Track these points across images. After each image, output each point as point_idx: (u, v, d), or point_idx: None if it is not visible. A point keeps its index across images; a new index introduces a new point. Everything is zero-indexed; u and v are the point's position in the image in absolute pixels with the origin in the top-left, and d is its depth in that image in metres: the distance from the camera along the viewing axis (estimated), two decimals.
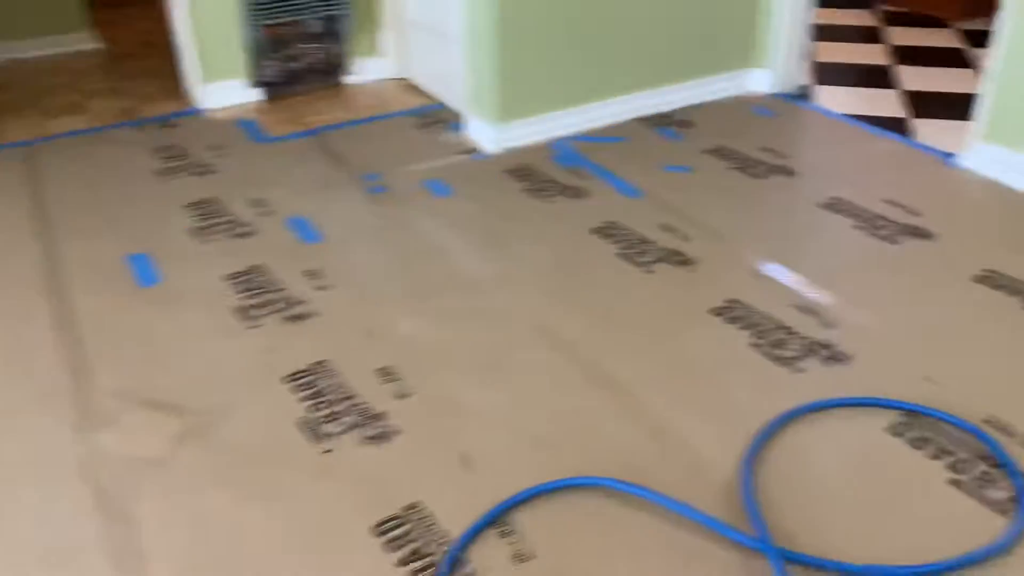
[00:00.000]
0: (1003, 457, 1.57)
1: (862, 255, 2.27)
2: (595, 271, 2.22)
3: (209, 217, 2.49)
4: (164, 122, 3.13)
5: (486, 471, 1.60)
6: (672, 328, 1.99)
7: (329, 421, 1.72)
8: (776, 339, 1.93)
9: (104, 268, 2.24)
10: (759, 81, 3.30)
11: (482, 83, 2.84)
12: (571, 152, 2.86)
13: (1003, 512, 1.47)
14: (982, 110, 2.64)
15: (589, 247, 2.33)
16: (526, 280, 2.19)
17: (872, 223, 2.40)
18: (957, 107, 3.14)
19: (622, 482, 1.54)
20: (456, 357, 1.91)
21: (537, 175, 2.72)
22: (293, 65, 3.34)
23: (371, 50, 3.49)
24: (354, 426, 1.71)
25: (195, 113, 3.20)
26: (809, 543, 1.43)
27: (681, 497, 1.51)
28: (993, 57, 2.57)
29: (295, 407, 1.76)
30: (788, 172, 2.70)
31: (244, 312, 2.06)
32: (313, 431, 1.69)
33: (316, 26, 3.32)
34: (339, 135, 3.03)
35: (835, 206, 2.50)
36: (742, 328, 1.97)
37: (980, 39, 3.88)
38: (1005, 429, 1.65)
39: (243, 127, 3.09)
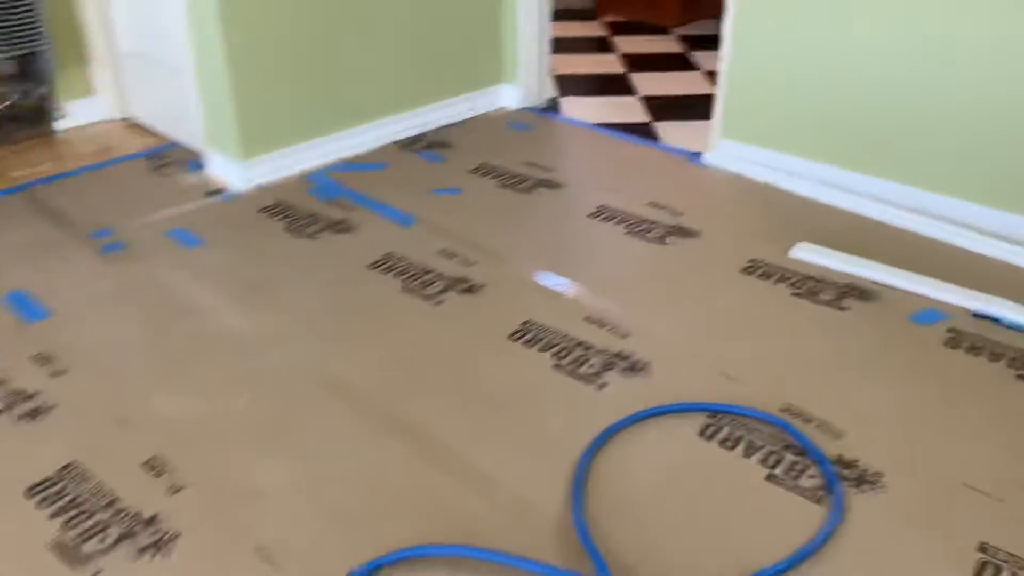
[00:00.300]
0: (805, 443, 1.62)
1: (638, 260, 2.29)
2: (379, 310, 2.05)
3: None
4: None
5: (292, 564, 1.38)
6: (471, 361, 1.88)
7: (90, 537, 1.42)
8: (576, 357, 1.87)
9: None
10: (510, 96, 3.30)
11: (219, 116, 2.57)
12: (330, 183, 2.67)
13: (818, 501, 1.51)
14: (718, 109, 2.80)
15: (369, 284, 2.15)
16: (301, 330, 1.98)
17: (640, 227, 2.44)
18: (693, 108, 3.33)
19: (440, 547, 1.39)
20: (233, 432, 1.66)
21: (296, 211, 2.50)
22: None
23: (84, 89, 3.07)
24: (122, 537, 1.42)
25: None
26: (652, 571, 1.37)
27: (512, 546, 1.39)
28: (723, 59, 2.72)
29: (45, 527, 1.44)
30: (553, 184, 2.70)
31: None
32: (72, 554, 1.38)
33: (9, 67, 2.86)
34: (55, 189, 2.62)
35: (603, 214, 2.52)
36: (541, 350, 1.90)
37: (699, 43, 4.18)
38: (801, 415, 1.70)
39: None
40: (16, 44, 2.83)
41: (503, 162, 2.83)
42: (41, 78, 2.93)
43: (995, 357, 1.86)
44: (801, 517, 1.47)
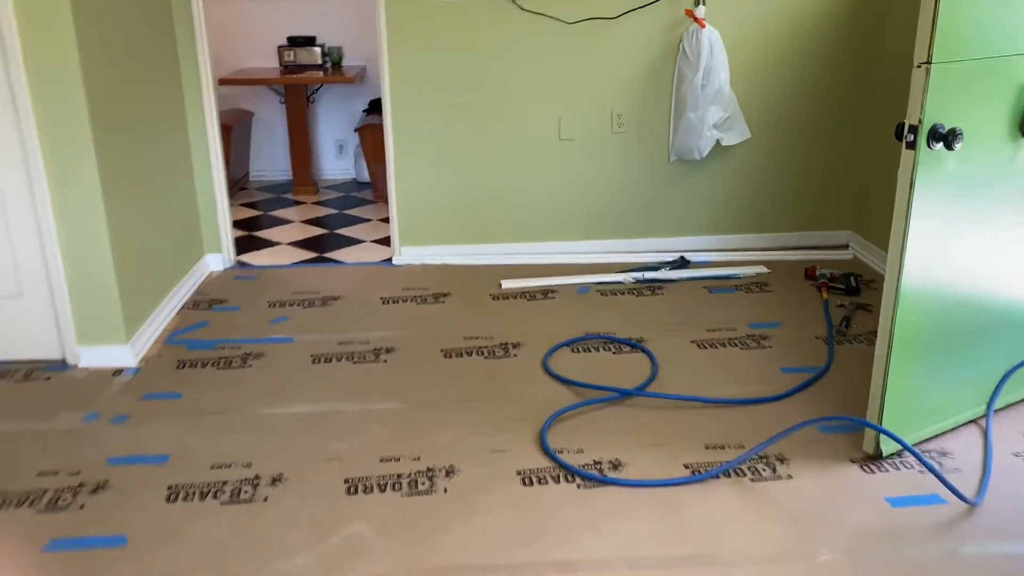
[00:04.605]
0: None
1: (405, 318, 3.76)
2: None
3: None
4: None
5: None
6: None
7: None
8: None
9: None
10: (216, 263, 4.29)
11: (98, 310, 3.15)
12: (185, 342, 3.43)
13: None
14: (394, 228, 4.37)
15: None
16: None
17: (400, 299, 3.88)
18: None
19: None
20: None
21: (194, 359, 3.25)
22: None
23: None
24: None
25: None
26: None
27: None
28: (392, 195, 4.32)
29: None
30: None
31: None
32: None
33: None
34: None
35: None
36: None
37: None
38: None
39: None
40: None
41: None
42: None
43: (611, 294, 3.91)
44: None
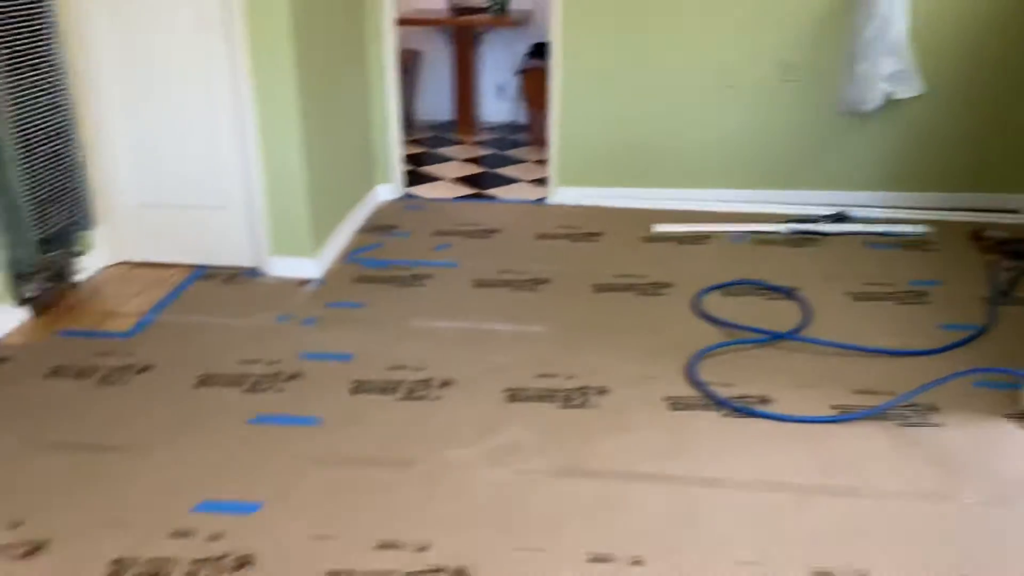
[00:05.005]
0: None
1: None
2: None
3: None
4: None
5: None
6: None
7: None
8: None
9: None
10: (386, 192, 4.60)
11: (289, 224, 3.50)
12: (364, 259, 3.75)
13: None
14: (553, 166, 4.54)
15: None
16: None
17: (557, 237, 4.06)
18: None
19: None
20: None
21: (371, 277, 3.56)
22: None
23: (88, 244, 3.56)
24: None
25: None
26: None
27: None
28: (553, 129, 4.48)
29: None
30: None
31: None
32: None
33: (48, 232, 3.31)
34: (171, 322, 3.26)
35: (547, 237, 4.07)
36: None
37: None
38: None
39: None
40: (69, 215, 3.32)
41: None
42: (72, 240, 3.40)
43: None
44: None
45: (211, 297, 3.39)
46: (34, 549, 1.99)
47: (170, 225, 3.63)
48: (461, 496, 2.21)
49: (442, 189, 4.88)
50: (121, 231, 3.65)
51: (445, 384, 2.74)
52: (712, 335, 3.08)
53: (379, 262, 3.76)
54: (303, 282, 3.54)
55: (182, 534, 2.05)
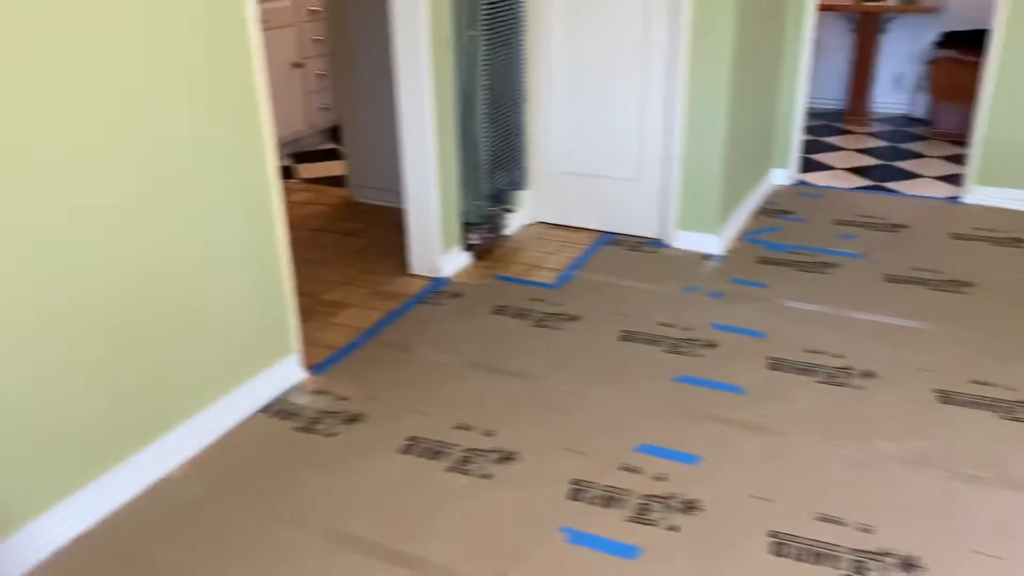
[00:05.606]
0: None
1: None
2: None
3: None
4: None
5: None
6: None
7: None
8: None
9: None
10: (780, 177, 4.57)
11: (700, 203, 3.63)
12: (766, 243, 3.78)
13: None
14: (972, 163, 4.20)
15: None
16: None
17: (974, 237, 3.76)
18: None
19: None
20: None
21: (776, 260, 3.58)
22: None
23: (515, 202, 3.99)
24: None
25: None
26: None
27: None
28: (978, 126, 4.15)
29: None
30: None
31: None
32: None
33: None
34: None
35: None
36: None
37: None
38: None
39: None
40: (510, 176, 3.75)
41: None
42: (507, 199, 3.83)
43: None
44: None
45: (620, 262, 3.63)
46: (507, 457, 2.32)
47: (586, 192, 3.94)
48: (895, 487, 2.18)
49: (836, 178, 4.73)
50: (544, 194, 4.03)
51: (867, 375, 2.70)
52: None
53: (780, 245, 3.76)
54: (706, 256, 3.66)
55: (631, 469, 2.26)
